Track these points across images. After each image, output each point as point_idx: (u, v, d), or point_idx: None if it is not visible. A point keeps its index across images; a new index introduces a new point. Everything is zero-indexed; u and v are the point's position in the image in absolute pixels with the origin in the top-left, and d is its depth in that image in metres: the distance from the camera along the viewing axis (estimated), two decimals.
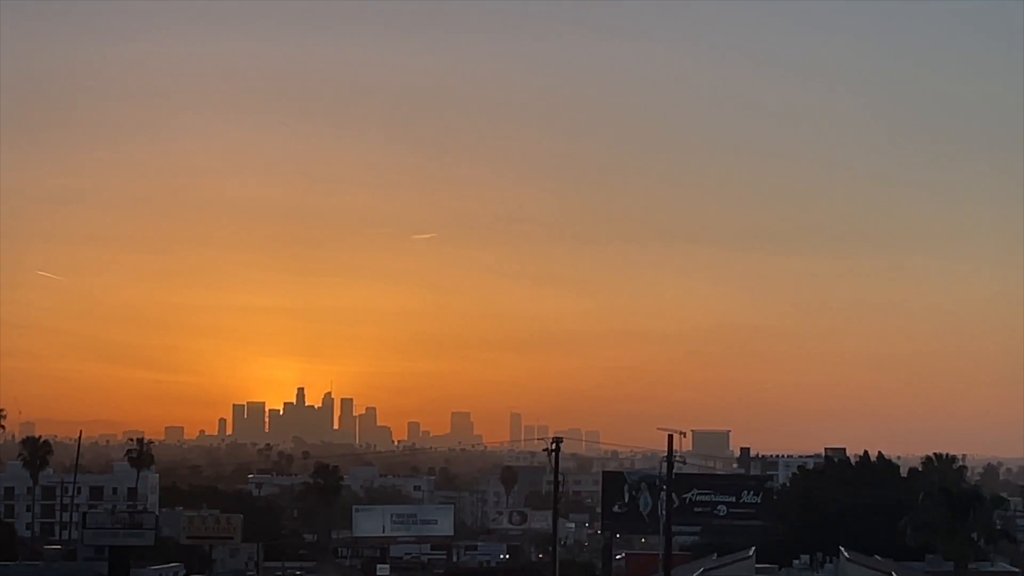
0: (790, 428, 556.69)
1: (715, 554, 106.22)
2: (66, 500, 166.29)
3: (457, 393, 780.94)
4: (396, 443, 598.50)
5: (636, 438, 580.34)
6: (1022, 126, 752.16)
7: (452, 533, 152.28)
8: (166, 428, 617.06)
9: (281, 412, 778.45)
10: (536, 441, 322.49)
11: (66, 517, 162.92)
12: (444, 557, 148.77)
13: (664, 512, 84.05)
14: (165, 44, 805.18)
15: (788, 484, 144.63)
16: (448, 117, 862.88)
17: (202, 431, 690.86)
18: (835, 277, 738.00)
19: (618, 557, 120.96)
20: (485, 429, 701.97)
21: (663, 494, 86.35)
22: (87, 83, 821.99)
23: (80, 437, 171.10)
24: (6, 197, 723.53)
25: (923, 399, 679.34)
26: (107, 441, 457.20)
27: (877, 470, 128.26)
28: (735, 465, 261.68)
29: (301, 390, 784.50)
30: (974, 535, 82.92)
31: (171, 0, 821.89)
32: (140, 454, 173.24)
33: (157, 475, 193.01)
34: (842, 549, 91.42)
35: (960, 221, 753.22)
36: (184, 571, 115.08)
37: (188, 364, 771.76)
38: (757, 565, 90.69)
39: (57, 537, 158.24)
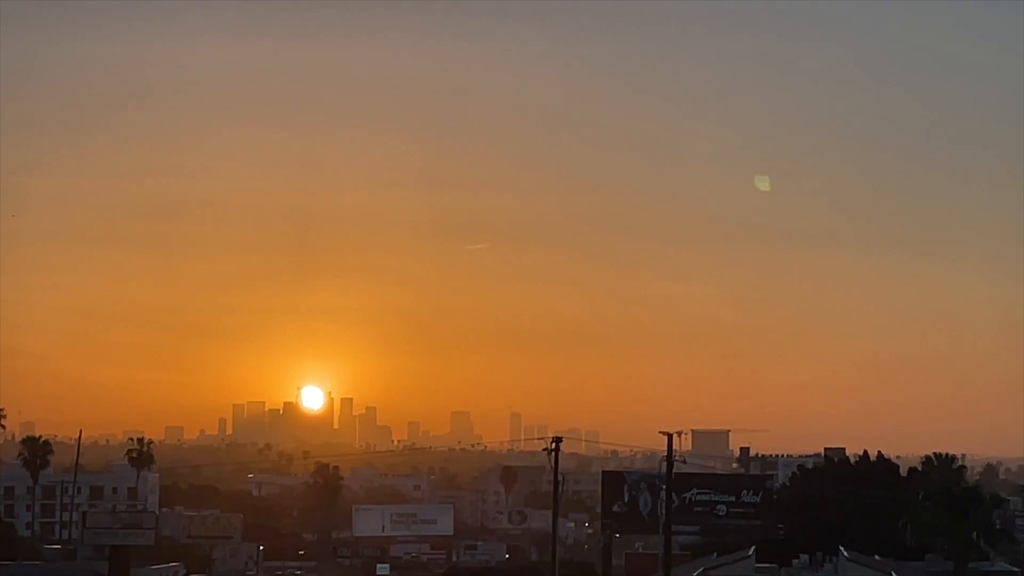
0: (790, 428, 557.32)
1: (715, 554, 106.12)
2: (66, 500, 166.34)
3: (457, 393, 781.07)
4: (396, 443, 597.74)
5: (636, 438, 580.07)
6: (1023, 124, 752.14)
7: (452, 533, 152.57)
8: (166, 428, 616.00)
9: (281, 412, 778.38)
10: (536, 441, 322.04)
11: (66, 517, 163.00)
12: (444, 557, 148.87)
13: (664, 512, 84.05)
14: (165, 44, 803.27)
15: (788, 484, 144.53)
16: (450, 116, 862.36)
17: (202, 431, 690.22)
18: (835, 277, 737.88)
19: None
20: (485, 429, 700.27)
21: (663, 494, 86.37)
22: (88, 83, 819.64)
23: (80, 437, 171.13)
24: (6, 197, 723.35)
25: (923, 399, 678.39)
26: (107, 441, 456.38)
27: (877, 470, 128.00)
28: (735, 465, 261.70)
29: (301, 390, 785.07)
30: (974, 535, 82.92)
31: (171, 0, 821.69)
32: (140, 454, 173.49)
33: (157, 475, 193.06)
34: (842, 549, 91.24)
35: (961, 221, 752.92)
36: (184, 571, 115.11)
37: (188, 364, 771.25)
38: (757, 565, 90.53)
39: (57, 537, 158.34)
